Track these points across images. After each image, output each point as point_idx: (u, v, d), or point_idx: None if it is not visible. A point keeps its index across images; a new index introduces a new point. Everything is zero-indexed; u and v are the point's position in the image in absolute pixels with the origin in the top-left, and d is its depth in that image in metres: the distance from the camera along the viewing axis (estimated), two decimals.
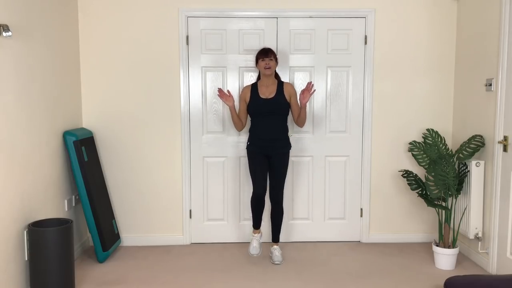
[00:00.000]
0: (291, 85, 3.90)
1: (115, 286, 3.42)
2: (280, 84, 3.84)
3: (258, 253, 3.86)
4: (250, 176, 3.89)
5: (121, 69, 4.18)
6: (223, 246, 4.29)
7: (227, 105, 3.79)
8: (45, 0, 3.48)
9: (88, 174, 3.78)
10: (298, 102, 3.82)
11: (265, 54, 3.75)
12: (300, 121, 3.85)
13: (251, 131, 3.86)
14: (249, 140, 3.87)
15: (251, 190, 3.85)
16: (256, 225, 3.92)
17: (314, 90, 3.78)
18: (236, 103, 3.98)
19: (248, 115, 3.88)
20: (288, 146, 3.86)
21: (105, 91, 4.19)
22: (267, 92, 3.79)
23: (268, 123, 3.77)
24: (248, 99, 3.81)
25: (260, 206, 3.85)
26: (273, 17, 4.19)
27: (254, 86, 3.84)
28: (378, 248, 4.24)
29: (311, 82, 3.72)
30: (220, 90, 3.76)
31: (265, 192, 3.83)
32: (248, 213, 4.15)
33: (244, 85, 4.12)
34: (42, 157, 3.40)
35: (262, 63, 3.74)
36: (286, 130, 3.86)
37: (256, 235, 3.92)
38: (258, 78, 3.92)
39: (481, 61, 3.79)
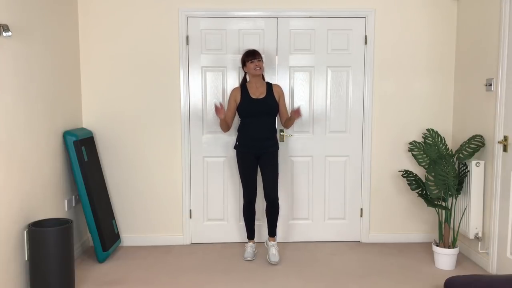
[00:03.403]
0: (280, 86, 3.94)
1: (115, 286, 3.42)
2: (269, 85, 3.87)
3: (253, 257, 3.93)
4: (240, 176, 3.95)
5: (121, 69, 4.18)
6: (223, 246, 4.29)
7: (219, 118, 3.79)
8: (45, 0, 3.48)
9: (88, 174, 3.78)
10: (287, 110, 3.93)
11: (253, 56, 3.77)
12: (288, 125, 3.93)
13: (240, 131, 3.88)
14: (238, 140, 3.90)
15: (242, 186, 3.92)
16: (251, 235, 4.02)
17: (302, 115, 3.93)
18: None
19: (238, 116, 3.91)
20: (277, 145, 3.90)
21: (105, 91, 4.19)
22: (257, 92, 3.82)
23: (259, 123, 3.80)
24: (238, 99, 3.83)
25: (252, 213, 3.96)
26: (273, 17, 4.19)
27: (243, 87, 3.86)
28: (378, 248, 4.24)
29: (299, 106, 3.80)
30: (216, 107, 3.74)
31: (256, 197, 3.93)
32: None
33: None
34: (42, 157, 3.40)
35: (251, 65, 3.76)
36: (275, 130, 3.90)
37: (250, 243, 4.01)
38: (244, 81, 3.92)
39: (481, 61, 3.79)
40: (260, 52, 3.90)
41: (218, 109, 3.75)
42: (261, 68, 3.79)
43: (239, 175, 4.00)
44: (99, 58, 4.16)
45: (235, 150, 3.96)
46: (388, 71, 4.26)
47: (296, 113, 3.73)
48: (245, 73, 3.91)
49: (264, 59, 3.97)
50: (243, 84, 3.89)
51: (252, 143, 3.82)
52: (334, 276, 3.60)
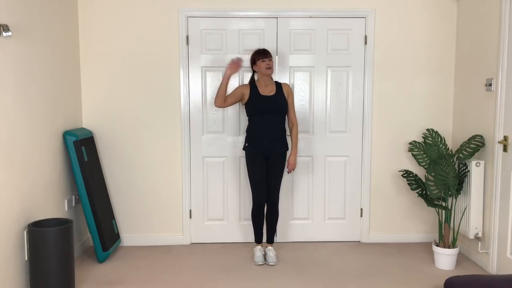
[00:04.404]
0: (289, 86, 3.92)
1: (115, 286, 3.42)
2: (278, 84, 3.85)
3: (263, 262, 3.85)
4: (249, 179, 3.89)
5: (121, 69, 4.18)
6: (223, 246, 4.29)
7: (227, 72, 3.70)
8: (45, 0, 3.48)
9: (88, 174, 3.78)
10: (294, 111, 3.90)
11: (265, 55, 3.74)
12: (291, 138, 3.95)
13: (249, 131, 3.84)
14: (247, 140, 3.84)
15: (251, 189, 3.86)
16: (259, 239, 3.96)
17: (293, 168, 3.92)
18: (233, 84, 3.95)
19: (246, 115, 3.87)
20: (286, 146, 3.87)
21: (105, 91, 4.19)
22: (267, 90, 3.79)
23: (268, 122, 3.76)
24: (247, 95, 3.79)
25: (261, 217, 3.90)
26: (273, 17, 4.19)
27: (252, 85, 3.82)
28: (378, 248, 4.24)
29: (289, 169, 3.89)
30: (232, 60, 3.69)
31: (265, 201, 3.85)
32: (248, 213, 4.15)
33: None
34: (42, 157, 3.40)
35: (262, 64, 3.73)
36: (284, 130, 3.85)
37: (259, 246, 3.95)
38: (252, 80, 3.88)
39: (481, 61, 3.79)
40: None
41: (233, 63, 3.68)
42: (272, 68, 3.77)
43: (247, 176, 3.91)
44: (99, 58, 4.16)
45: (243, 152, 3.88)
46: (388, 71, 4.26)
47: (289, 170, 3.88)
48: (253, 73, 3.86)
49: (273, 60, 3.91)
50: (252, 82, 3.85)
51: (261, 143, 3.76)
52: (334, 276, 3.60)
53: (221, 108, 4.18)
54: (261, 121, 3.76)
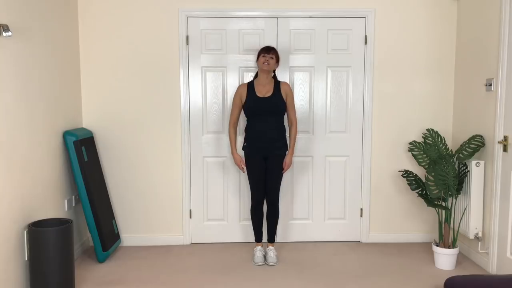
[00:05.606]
0: (288, 85, 3.88)
1: (115, 286, 3.42)
2: (277, 83, 3.83)
3: (263, 262, 3.85)
4: (248, 178, 3.90)
5: (121, 69, 4.18)
6: (223, 246, 4.29)
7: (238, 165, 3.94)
8: (45, 0, 3.48)
9: (88, 174, 3.78)
10: (295, 111, 3.88)
11: (267, 51, 3.74)
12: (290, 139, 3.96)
13: (247, 131, 3.83)
14: (245, 141, 3.84)
15: (250, 188, 3.87)
16: (259, 238, 3.96)
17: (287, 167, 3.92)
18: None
19: (244, 115, 3.87)
20: (285, 147, 3.86)
21: (105, 91, 4.19)
22: (264, 90, 3.77)
23: (265, 123, 3.75)
24: (244, 97, 3.79)
25: (260, 214, 3.90)
26: (273, 17, 4.19)
27: (250, 85, 3.82)
28: (378, 248, 4.24)
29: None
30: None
31: (264, 199, 3.86)
32: (248, 213, 4.15)
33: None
34: (42, 157, 3.40)
35: (262, 59, 3.73)
36: (283, 130, 3.84)
37: (259, 246, 3.94)
38: (255, 76, 3.88)
39: (481, 61, 3.79)
40: None
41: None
42: (270, 65, 3.73)
43: (247, 175, 3.91)
44: (99, 58, 4.16)
45: (243, 151, 3.88)
46: (388, 71, 4.26)
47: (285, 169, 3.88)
48: (258, 70, 3.86)
49: (280, 59, 3.89)
50: (252, 81, 3.84)
51: (259, 145, 3.76)
52: (334, 276, 3.61)
53: (222, 108, 4.21)
54: (259, 122, 3.76)
